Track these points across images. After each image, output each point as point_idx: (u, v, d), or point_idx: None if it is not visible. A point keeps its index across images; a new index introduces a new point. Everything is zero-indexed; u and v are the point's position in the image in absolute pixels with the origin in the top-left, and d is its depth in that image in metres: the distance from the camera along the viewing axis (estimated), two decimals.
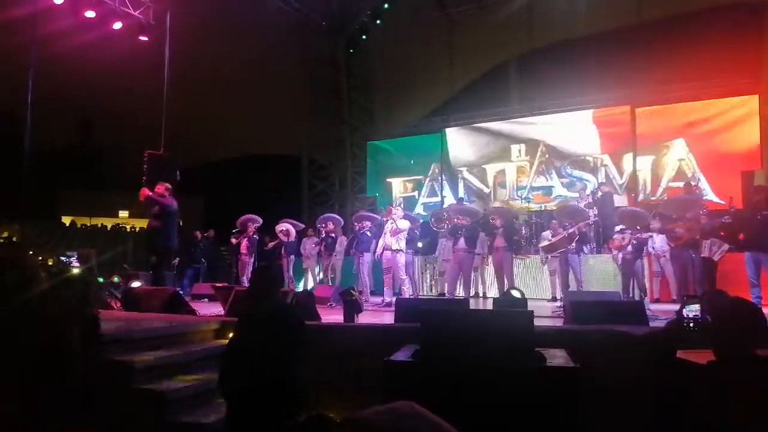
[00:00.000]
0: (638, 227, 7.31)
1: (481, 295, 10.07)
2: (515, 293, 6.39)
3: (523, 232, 10.86)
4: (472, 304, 7.08)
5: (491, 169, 13.85)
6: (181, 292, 7.67)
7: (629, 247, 7.16)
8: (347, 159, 16.27)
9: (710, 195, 11.14)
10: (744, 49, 11.22)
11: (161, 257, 7.59)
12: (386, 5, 14.48)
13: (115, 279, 7.40)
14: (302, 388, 3.14)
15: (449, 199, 13.79)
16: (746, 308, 2.08)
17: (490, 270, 9.91)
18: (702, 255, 7.29)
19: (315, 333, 3.78)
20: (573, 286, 8.19)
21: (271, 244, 11.06)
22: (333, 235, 10.21)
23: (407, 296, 8.13)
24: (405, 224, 8.53)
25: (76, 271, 2.72)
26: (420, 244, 10.14)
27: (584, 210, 9.01)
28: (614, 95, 12.54)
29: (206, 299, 8.68)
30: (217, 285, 8.06)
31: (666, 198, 10.91)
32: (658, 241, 8.06)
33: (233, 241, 10.26)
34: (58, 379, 2.45)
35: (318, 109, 15.72)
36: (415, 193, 14.88)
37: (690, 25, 11.79)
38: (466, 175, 14.13)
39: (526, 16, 13.39)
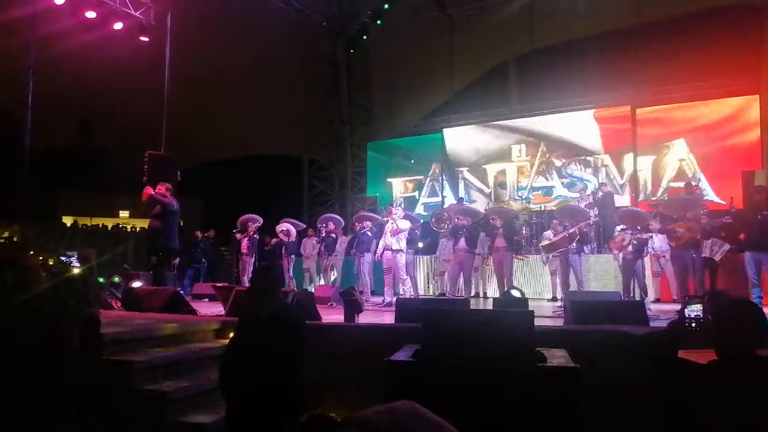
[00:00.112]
0: (639, 227, 7.30)
1: (481, 295, 10.07)
2: (515, 293, 6.39)
3: (524, 232, 10.85)
4: (473, 304, 7.08)
5: (491, 169, 13.85)
6: (181, 292, 7.67)
7: (630, 247, 7.16)
8: (347, 159, 16.27)
9: (711, 195, 11.14)
10: (744, 50, 11.21)
11: (162, 257, 7.59)
12: (386, 6, 14.49)
13: (116, 279, 7.40)
14: (303, 388, 3.14)
15: (450, 199, 13.80)
16: (747, 308, 2.08)
17: (490, 270, 9.91)
18: (703, 255, 7.29)
19: (315, 333, 3.78)
20: (573, 286, 8.19)
21: (273, 242, 11.05)
22: (333, 235, 10.20)
23: (408, 296, 8.13)
24: (405, 224, 8.53)
25: (76, 271, 2.72)
26: (421, 244, 10.13)
27: (585, 210, 9.01)
28: (615, 95, 12.54)
29: (207, 299, 8.68)
30: (218, 285, 8.06)
31: (666, 198, 10.91)
32: (657, 242, 8.06)
33: (237, 236, 10.24)
34: (57, 379, 2.45)
35: (318, 109, 15.72)
36: (416, 193, 14.88)
37: (690, 25, 11.79)
38: (467, 175, 14.14)
39: (526, 16, 13.39)
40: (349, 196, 16.18)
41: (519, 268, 9.84)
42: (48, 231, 16.88)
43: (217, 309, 6.67)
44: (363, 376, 4.18)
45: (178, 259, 10.26)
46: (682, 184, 10.20)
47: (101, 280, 6.77)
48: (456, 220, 9.03)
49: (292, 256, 10.55)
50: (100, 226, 19.43)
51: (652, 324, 4.81)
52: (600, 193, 10.30)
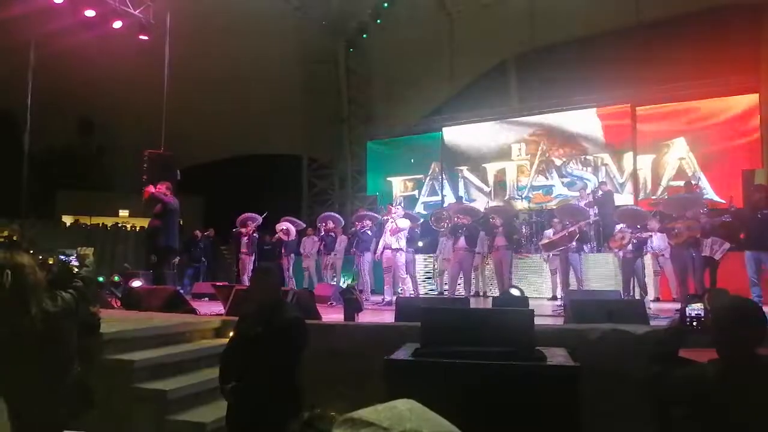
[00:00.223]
0: (638, 226, 7.31)
1: (481, 294, 10.07)
2: (515, 292, 6.41)
3: (524, 231, 10.85)
4: (473, 303, 7.08)
5: (491, 168, 13.85)
6: (181, 291, 7.68)
7: (629, 246, 7.16)
8: (347, 158, 16.27)
9: (711, 194, 11.14)
10: (744, 48, 11.21)
11: (162, 257, 7.59)
12: (386, 4, 14.49)
13: (116, 278, 7.41)
14: (302, 387, 3.14)
15: (449, 198, 13.80)
16: (747, 307, 2.08)
17: (490, 269, 9.91)
18: (703, 254, 7.28)
19: (315, 332, 3.77)
20: (573, 285, 8.19)
21: (273, 240, 11.04)
22: (333, 234, 10.20)
23: (407, 295, 8.14)
24: (405, 223, 8.54)
25: (75, 270, 2.72)
26: (420, 243, 10.13)
27: (585, 209, 9.01)
28: (614, 94, 12.53)
29: (207, 298, 8.68)
30: (218, 284, 8.07)
31: (666, 197, 10.91)
32: (656, 240, 8.06)
33: (242, 230, 10.21)
34: (57, 377, 2.45)
35: (318, 108, 15.71)
36: (416, 192, 14.88)
37: (690, 24, 11.78)
38: (467, 174, 14.14)
39: (526, 15, 13.37)
40: (349, 194, 16.18)
41: (519, 266, 9.84)
42: (48, 230, 16.88)
43: (217, 308, 6.68)
44: (363, 374, 4.18)
45: (178, 258, 10.25)
46: (681, 183, 10.19)
47: (101, 279, 6.77)
48: (455, 219, 9.02)
49: (292, 255, 10.55)
50: (100, 225, 19.42)
51: (652, 323, 4.81)
52: (600, 192, 10.30)
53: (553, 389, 3.03)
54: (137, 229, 18.66)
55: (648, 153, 12.16)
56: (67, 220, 20.82)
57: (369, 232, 9.05)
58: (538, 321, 3.67)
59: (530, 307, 4.13)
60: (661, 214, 8.18)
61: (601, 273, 9.13)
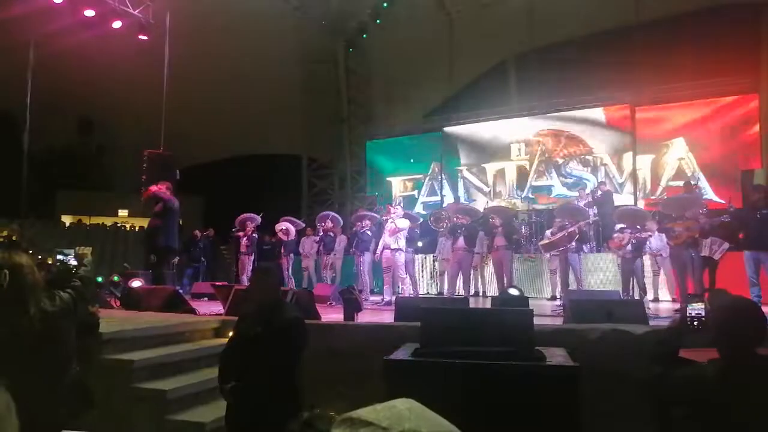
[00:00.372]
0: (638, 226, 7.30)
1: (480, 293, 10.07)
2: (513, 291, 6.40)
3: (523, 231, 10.85)
4: (472, 303, 7.08)
5: (491, 168, 13.85)
6: (180, 291, 7.67)
7: (629, 247, 7.16)
8: (347, 158, 16.26)
9: (710, 194, 11.14)
10: (744, 49, 11.22)
11: (161, 256, 7.59)
12: (385, 4, 14.48)
13: (115, 278, 7.40)
14: (302, 387, 3.14)
15: (449, 198, 13.80)
16: (747, 307, 2.08)
17: (489, 269, 9.91)
18: (702, 254, 7.28)
19: (315, 332, 3.77)
20: (573, 285, 8.19)
21: (272, 239, 11.04)
22: (332, 234, 10.20)
23: (407, 295, 8.13)
24: (404, 223, 8.53)
25: (73, 270, 2.71)
26: (420, 243, 10.13)
27: (584, 209, 9.00)
28: (614, 94, 12.54)
29: (206, 298, 8.68)
30: (217, 284, 8.07)
31: (666, 197, 10.91)
32: (654, 241, 8.06)
33: (240, 234, 10.22)
34: (55, 377, 2.45)
35: (318, 108, 15.70)
36: (415, 192, 14.88)
37: (689, 24, 11.79)
38: (466, 174, 14.14)
39: (525, 15, 13.38)
40: (348, 194, 16.17)
41: (518, 266, 9.83)
42: (47, 230, 16.87)
43: (217, 308, 6.68)
44: (362, 374, 4.18)
45: (177, 258, 10.25)
46: (681, 183, 10.20)
47: (100, 279, 6.77)
48: (454, 219, 9.02)
49: (291, 254, 10.54)
50: (100, 224, 19.41)
51: (651, 323, 4.81)
52: (599, 192, 10.30)
53: (553, 389, 3.03)
54: (137, 229, 18.66)
55: (647, 153, 12.16)
56: (67, 219, 20.81)
57: (369, 233, 9.05)
58: (537, 321, 3.67)
59: (530, 307, 4.13)
60: (661, 214, 8.18)
61: (600, 273, 9.13)
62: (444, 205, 13.09)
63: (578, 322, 4.68)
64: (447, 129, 14.49)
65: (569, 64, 12.85)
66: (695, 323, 2.20)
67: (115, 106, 16.57)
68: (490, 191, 13.76)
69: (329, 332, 4.92)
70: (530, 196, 13.04)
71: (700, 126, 11.68)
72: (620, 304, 5.50)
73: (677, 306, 7.21)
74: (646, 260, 8.28)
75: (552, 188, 13.00)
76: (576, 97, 12.87)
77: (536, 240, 10.29)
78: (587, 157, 12.67)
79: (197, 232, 12.45)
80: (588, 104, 12.75)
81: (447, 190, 14.21)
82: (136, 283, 6.94)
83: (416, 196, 14.79)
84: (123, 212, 22.37)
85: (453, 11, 14.58)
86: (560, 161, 12.95)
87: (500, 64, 14.79)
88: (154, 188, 7.59)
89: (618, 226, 7.64)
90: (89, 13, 10.05)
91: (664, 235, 7.63)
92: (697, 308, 2.21)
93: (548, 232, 8.96)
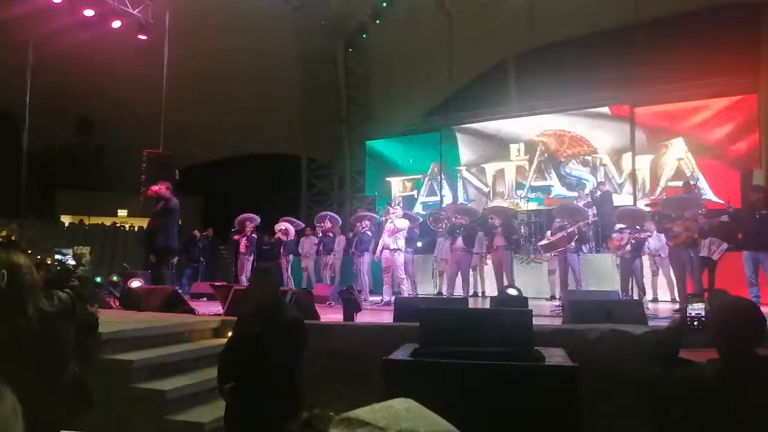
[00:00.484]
0: (637, 227, 7.30)
1: (479, 294, 10.07)
2: (512, 291, 6.40)
3: (522, 231, 10.85)
4: (471, 303, 7.07)
5: (490, 168, 13.85)
6: (180, 291, 7.66)
7: (628, 247, 7.16)
8: (346, 158, 16.27)
9: (709, 194, 11.14)
10: (743, 49, 11.22)
11: (160, 256, 7.58)
12: (385, 4, 14.48)
13: (115, 278, 7.39)
14: (301, 387, 3.14)
15: (448, 198, 13.80)
16: (746, 307, 2.08)
17: (488, 269, 9.90)
18: (701, 254, 7.28)
19: (314, 332, 3.77)
20: (572, 286, 8.19)
21: (272, 240, 11.04)
22: (331, 234, 10.19)
23: (406, 295, 8.13)
24: (403, 223, 8.52)
25: (72, 269, 2.71)
26: (419, 244, 10.13)
27: (583, 209, 9.00)
28: (614, 94, 12.54)
29: (205, 298, 8.68)
30: (216, 284, 8.06)
31: (665, 197, 10.91)
32: (652, 242, 8.07)
33: (236, 237, 10.22)
34: (54, 377, 2.44)
35: (317, 107, 15.71)
36: (414, 192, 14.87)
37: (689, 24, 11.80)
38: (465, 174, 14.14)
39: (525, 15, 13.39)
40: (347, 195, 16.17)
41: (518, 266, 9.82)
42: (47, 229, 16.87)
43: (216, 308, 6.68)
44: (362, 375, 4.18)
45: (177, 258, 10.24)
46: (680, 183, 10.20)
47: (98, 279, 6.76)
48: (453, 219, 9.02)
49: (291, 255, 10.53)
50: (99, 224, 19.41)
51: (651, 323, 4.81)
52: (598, 192, 10.30)
53: (552, 389, 3.03)
54: (136, 229, 18.66)
55: (647, 153, 12.16)
56: (66, 219, 20.81)
57: (369, 233, 9.05)
58: (536, 321, 3.67)
59: (529, 307, 4.13)
60: (660, 214, 8.17)
61: (599, 273, 9.13)
62: (443, 205, 13.10)
63: (577, 322, 4.68)
64: (446, 129, 14.49)
65: (569, 64, 12.85)
66: (695, 323, 2.20)
67: (114, 106, 16.56)
68: (489, 191, 13.76)
69: (328, 332, 4.92)
70: (539, 196, 12.98)
71: (700, 126, 11.69)
72: (619, 305, 5.50)
73: (676, 306, 7.22)
74: (645, 260, 8.28)
75: (551, 188, 13.01)
76: (576, 97, 12.87)
77: (535, 240, 10.29)
78: (586, 157, 12.67)
79: (196, 232, 12.45)
80: (588, 103, 12.75)
81: (446, 190, 14.21)
82: (135, 283, 6.93)
83: (415, 196, 14.79)
84: (122, 212, 22.38)
85: (453, 11, 14.58)
86: (559, 161, 12.94)
87: (500, 63, 14.80)
88: (155, 188, 7.59)
89: (617, 227, 7.64)
90: (88, 12, 10.05)
91: (663, 236, 7.63)
92: (697, 308, 2.21)
93: (549, 233, 8.97)
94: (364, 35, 15.40)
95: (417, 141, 15.01)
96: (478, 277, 10.24)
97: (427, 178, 14.71)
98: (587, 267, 9.04)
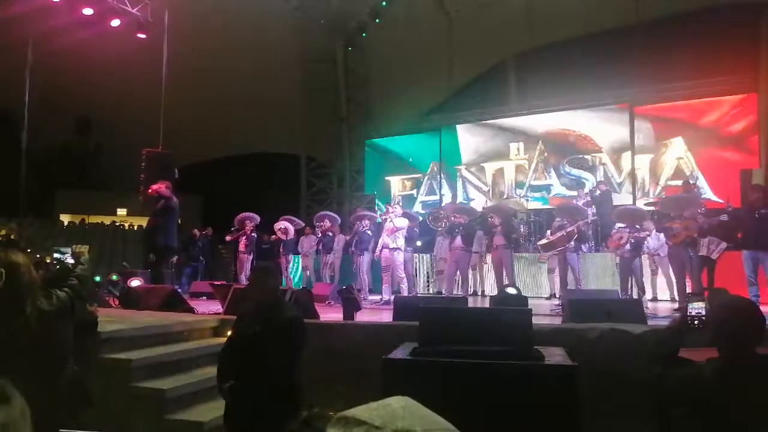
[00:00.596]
0: (636, 226, 7.31)
1: (479, 293, 10.07)
2: (511, 290, 6.39)
3: (522, 230, 10.85)
4: (470, 302, 7.07)
5: (490, 168, 13.85)
6: (179, 290, 7.66)
7: (627, 246, 7.16)
8: (346, 157, 16.26)
9: (708, 193, 11.14)
10: (743, 48, 11.21)
11: (160, 256, 7.58)
12: (384, 3, 14.47)
13: (114, 277, 7.38)
14: (300, 386, 3.14)
15: (447, 198, 13.80)
16: (746, 307, 2.08)
17: (488, 268, 9.91)
18: (700, 253, 7.29)
19: (314, 331, 3.77)
20: (572, 285, 8.19)
21: (271, 239, 11.03)
22: (330, 233, 10.19)
23: (405, 294, 8.13)
24: (402, 222, 8.52)
25: (71, 268, 2.71)
26: (419, 243, 10.13)
27: (583, 208, 9.00)
28: (613, 93, 12.53)
29: (204, 297, 8.67)
30: (216, 283, 8.06)
31: (664, 196, 10.91)
32: (651, 241, 8.07)
33: (228, 238, 10.22)
34: (53, 376, 2.44)
35: (316, 107, 15.71)
36: (414, 192, 14.87)
37: (689, 24, 11.80)
38: (465, 173, 14.14)
39: (525, 15, 13.38)
40: (347, 194, 16.17)
41: (517, 266, 9.82)
42: (46, 229, 16.87)
43: (215, 307, 6.68)
44: (361, 374, 4.18)
45: (176, 257, 10.24)
46: (680, 183, 10.20)
47: (97, 278, 6.75)
48: (452, 218, 9.01)
49: (290, 254, 10.53)
50: (99, 223, 19.41)
51: (650, 322, 4.81)
52: (598, 192, 10.30)
53: (552, 388, 3.03)
54: (135, 228, 18.66)
55: (646, 153, 12.15)
56: (65, 218, 20.80)
57: (368, 232, 9.05)
58: (536, 320, 3.67)
59: (528, 307, 4.13)
60: (659, 213, 8.17)
61: (599, 272, 9.14)
62: (443, 204, 13.10)
63: (577, 321, 4.68)
64: (446, 128, 14.48)
65: (569, 64, 12.85)
66: (696, 322, 2.20)
67: (113, 105, 16.56)
68: (488, 190, 13.76)
69: (328, 332, 4.91)
70: (544, 195, 12.97)
71: (699, 125, 11.68)
72: (619, 304, 5.50)
73: (675, 305, 7.22)
74: (645, 260, 8.28)
75: (551, 187, 13.00)
76: (575, 96, 12.86)
77: (535, 239, 10.29)
78: (586, 156, 12.67)
79: (196, 231, 12.45)
80: (587, 103, 12.74)
81: (446, 190, 14.21)
82: (134, 282, 6.93)
83: (415, 196, 14.78)
84: (122, 211, 22.38)
85: (452, 11, 14.58)
86: (559, 161, 12.94)
87: (500, 63, 14.79)
88: (154, 187, 7.59)
89: (617, 226, 7.64)
90: (87, 11, 10.04)
91: (662, 235, 7.63)
92: (697, 307, 2.21)
93: (549, 233, 8.97)
94: (363, 35, 15.39)
95: (416, 140, 15.00)
96: (478, 276, 10.24)
97: (426, 177, 14.71)
98: (587, 266, 9.05)
